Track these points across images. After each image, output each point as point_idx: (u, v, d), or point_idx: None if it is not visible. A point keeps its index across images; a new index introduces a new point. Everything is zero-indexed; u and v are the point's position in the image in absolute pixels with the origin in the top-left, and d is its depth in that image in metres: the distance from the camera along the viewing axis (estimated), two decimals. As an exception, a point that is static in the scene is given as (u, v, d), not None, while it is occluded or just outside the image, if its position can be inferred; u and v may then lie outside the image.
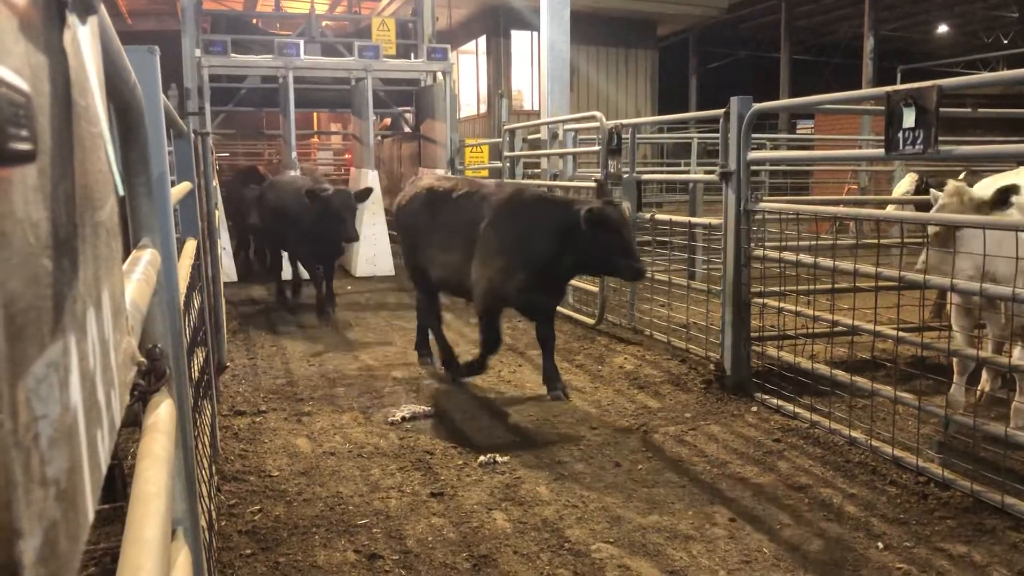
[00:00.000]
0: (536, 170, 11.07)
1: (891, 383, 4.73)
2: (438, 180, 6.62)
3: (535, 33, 17.03)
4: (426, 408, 5.65)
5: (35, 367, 0.55)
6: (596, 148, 8.29)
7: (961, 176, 6.94)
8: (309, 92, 13.70)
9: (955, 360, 4.83)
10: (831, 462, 4.67)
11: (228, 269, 10.96)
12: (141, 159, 1.70)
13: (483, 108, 21.33)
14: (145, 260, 1.56)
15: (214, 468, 4.27)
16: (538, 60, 13.89)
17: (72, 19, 0.77)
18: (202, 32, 13.04)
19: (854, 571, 3.46)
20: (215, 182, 7.39)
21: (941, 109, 3.94)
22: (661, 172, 15.18)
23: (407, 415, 5.51)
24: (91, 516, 0.66)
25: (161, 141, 2.05)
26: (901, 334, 4.66)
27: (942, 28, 25.33)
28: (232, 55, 12.24)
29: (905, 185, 7.52)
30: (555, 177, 9.36)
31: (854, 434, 4.83)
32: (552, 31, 10.31)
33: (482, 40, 20.90)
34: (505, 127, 10.27)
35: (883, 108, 4.20)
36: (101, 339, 0.81)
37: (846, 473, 4.51)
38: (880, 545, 3.69)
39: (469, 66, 21.78)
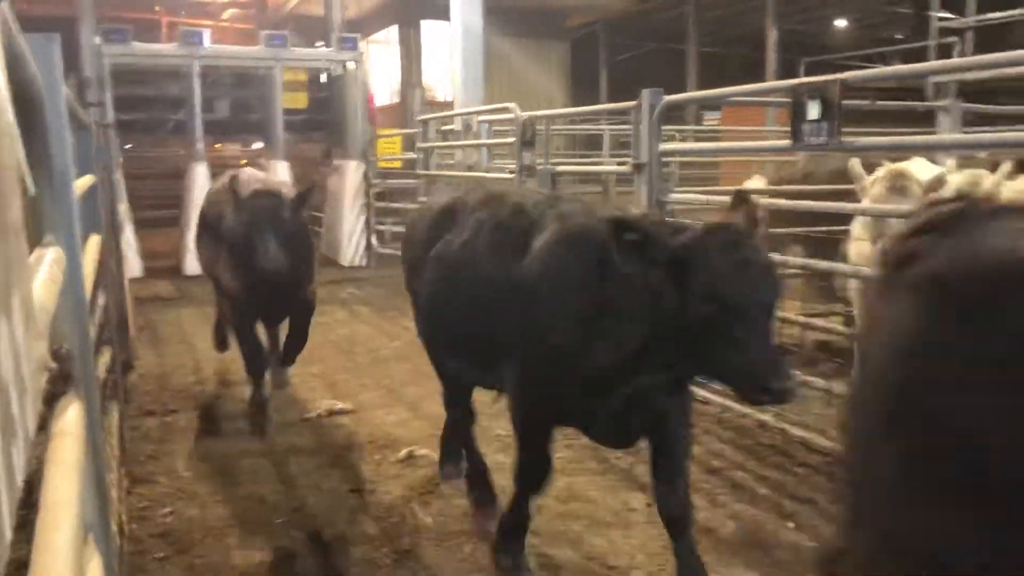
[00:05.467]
0: (451, 161, 11.02)
1: (799, 367, 4.89)
2: (463, 193, 3.96)
3: (449, 22, 16.94)
4: (343, 404, 5.58)
5: (-55, 380, 0.53)
6: (511, 140, 8.30)
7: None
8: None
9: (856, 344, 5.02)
10: (742, 445, 4.80)
11: (132, 264, 10.59)
12: (42, 153, 1.64)
13: (396, 99, 21.14)
14: (50, 259, 1.50)
15: (124, 471, 4.14)
16: (451, 49, 13.80)
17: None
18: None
19: (767, 551, 3.58)
20: (118, 175, 7.12)
21: (844, 102, 4.09)
22: (575, 164, 15.27)
23: (323, 412, 5.44)
24: (9, 535, 0.64)
25: (64, 134, 1.96)
26: (806, 319, 4.82)
27: (841, 22, 26.21)
28: (134, 43, 11.80)
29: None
30: (470, 168, 9.34)
31: (763, 417, 4.98)
32: (465, 12, 10.21)
33: (394, 30, 20.70)
34: (418, 118, 10.19)
35: (789, 100, 4.33)
36: (13, 348, 0.77)
37: (757, 456, 4.65)
38: (791, 524, 3.81)
39: (381, 56, 21.55)
